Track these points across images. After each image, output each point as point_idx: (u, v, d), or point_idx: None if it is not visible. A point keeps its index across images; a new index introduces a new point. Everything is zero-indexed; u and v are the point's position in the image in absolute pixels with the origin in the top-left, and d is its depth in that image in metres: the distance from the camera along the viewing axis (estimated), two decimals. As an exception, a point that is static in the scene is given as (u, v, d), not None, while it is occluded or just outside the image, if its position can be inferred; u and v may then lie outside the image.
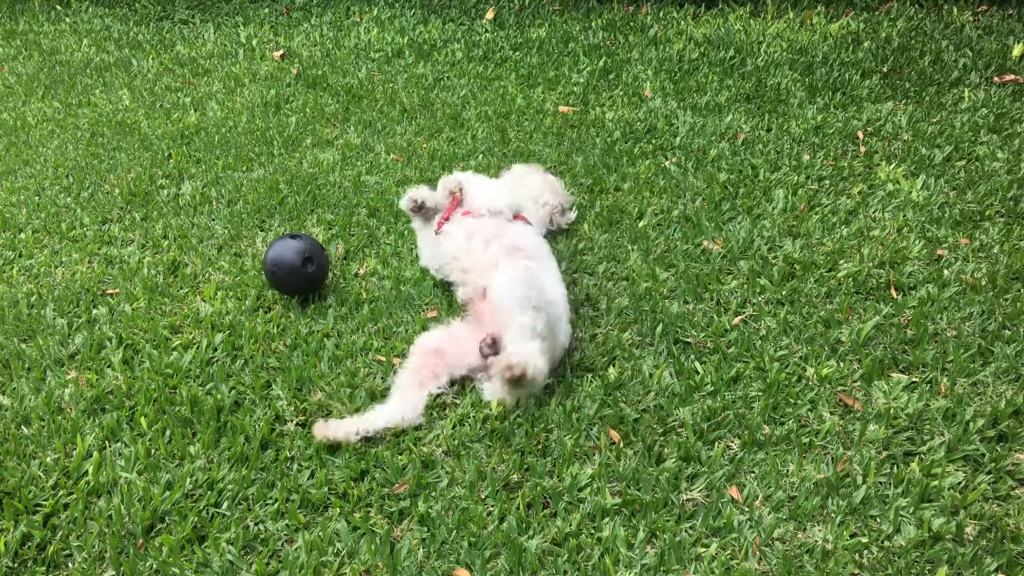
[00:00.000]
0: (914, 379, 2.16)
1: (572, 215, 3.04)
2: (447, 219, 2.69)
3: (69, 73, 5.30)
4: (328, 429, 2.03)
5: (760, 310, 2.48)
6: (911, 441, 1.98)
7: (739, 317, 2.45)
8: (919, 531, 1.73)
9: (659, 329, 2.38)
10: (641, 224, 3.01)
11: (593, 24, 5.70)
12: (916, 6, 5.50)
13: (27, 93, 4.94)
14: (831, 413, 2.08)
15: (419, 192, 2.78)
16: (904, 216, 2.94)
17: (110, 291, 2.76)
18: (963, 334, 2.30)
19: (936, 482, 1.84)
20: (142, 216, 3.27)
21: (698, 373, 2.23)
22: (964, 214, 2.92)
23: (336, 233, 3.07)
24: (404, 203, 2.79)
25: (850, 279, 2.58)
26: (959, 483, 1.85)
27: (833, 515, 1.78)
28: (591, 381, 2.21)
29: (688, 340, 2.37)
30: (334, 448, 2.03)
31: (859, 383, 2.16)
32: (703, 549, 1.73)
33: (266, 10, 6.64)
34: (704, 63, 4.78)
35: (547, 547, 1.75)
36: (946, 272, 2.59)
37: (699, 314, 2.48)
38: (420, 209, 2.77)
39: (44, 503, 1.90)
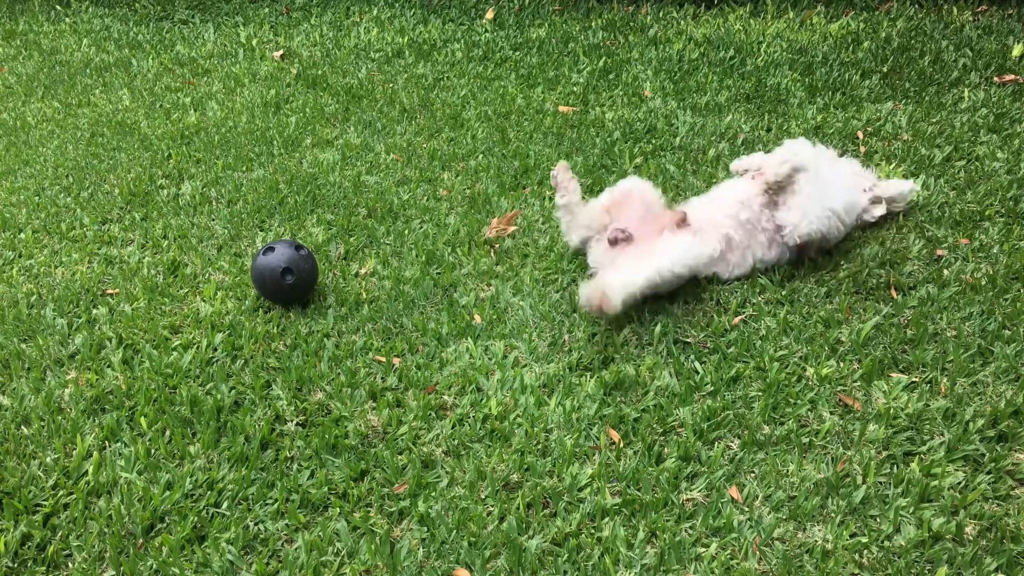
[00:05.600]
0: (914, 379, 2.16)
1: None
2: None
3: (69, 73, 5.30)
4: None
5: (760, 310, 2.48)
6: (911, 441, 1.98)
7: (739, 317, 2.45)
8: (919, 531, 1.73)
9: (659, 329, 2.38)
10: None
11: (593, 24, 5.70)
12: (916, 6, 5.50)
13: (27, 93, 4.94)
14: (831, 413, 2.08)
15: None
16: (904, 216, 2.94)
17: (110, 291, 2.76)
18: (963, 334, 2.30)
19: (936, 482, 1.84)
20: (142, 216, 3.28)
21: (698, 373, 2.23)
22: (964, 214, 2.92)
23: (336, 233, 3.07)
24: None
25: (850, 279, 2.58)
26: (959, 483, 1.85)
27: (833, 515, 1.78)
28: (591, 381, 2.21)
29: (688, 340, 2.37)
30: (334, 448, 2.03)
31: (859, 383, 2.16)
32: (703, 549, 1.73)
33: (266, 10, 6.64)
34: (704, 63, 4.78)
35: (547, 547, 1.75)
36: (946, 272, 2.59)
37: (699, 314, 2.48)
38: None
39: (44, 503, 1.90)
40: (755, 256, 2.61)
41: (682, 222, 2.59)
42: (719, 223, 2.60)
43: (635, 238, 2.56)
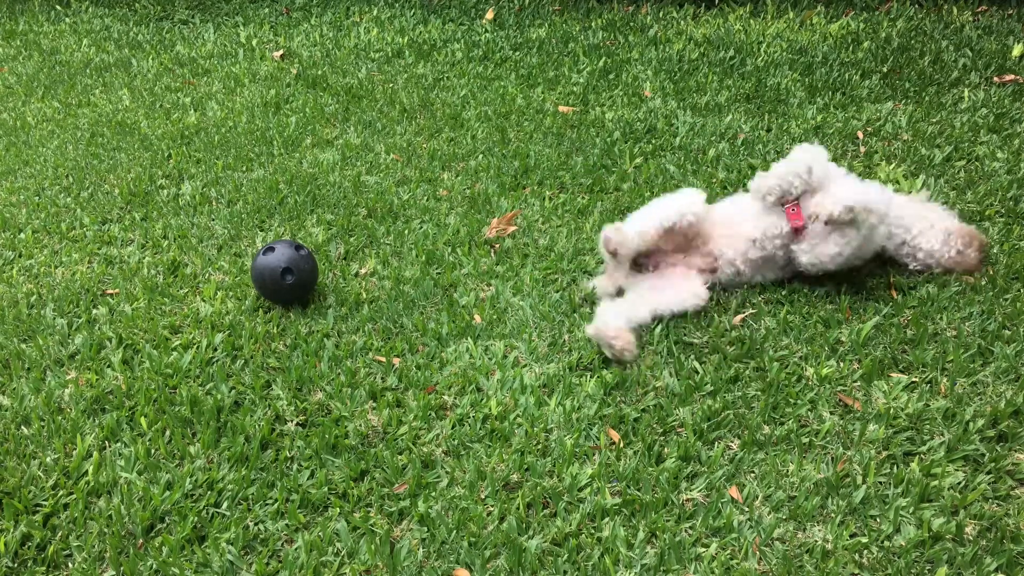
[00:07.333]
0: (914, 379, 2.16)
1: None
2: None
3: (69, 73, 5.30)
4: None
5: (760, 310, 2.48)
6: (911, 441, 1.98)
7: (739, 317, 2.45)
8: (919, 531, 1.73)
9: (659, 329, 2.38)
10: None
11: (593, 24, 5.70)
12: (916, 6, 5.50)
13: (27, 93, 4.94)
14: (831, 413, 2.08)
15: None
16: (904, 216, 2.93)
17: (110, 291, 2.77)
18: (963, 334, 2.30)
19: (936, 482, 1.84)
20: (142, 216, 3.28)
21: (698, 373, 2.23)
22: (964, 214, 2.92)
23: (336, 233, 3.07)
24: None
25: (849, 279, 2.57)
26: (959, 483, 1.85)
27: (833, 515, 1.78)
28: (591, 381, 2.21)
29: (688, 340, 2.37)
30: (334, 448, 2.03)
31: (859, 383, 2.16)
32: (703, 549, 1.73)
33: (266, 10, 6.64)
34: (704, 63, 4.78)
35: (547, 547, 1.75)
36: (946, 272, 2.59)
37: (699, 314, 2.47)
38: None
39: (44, 503, 1.90)
40: (755, 280, 2.60)
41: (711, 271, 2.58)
42: (729, 259, 2.59)
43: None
